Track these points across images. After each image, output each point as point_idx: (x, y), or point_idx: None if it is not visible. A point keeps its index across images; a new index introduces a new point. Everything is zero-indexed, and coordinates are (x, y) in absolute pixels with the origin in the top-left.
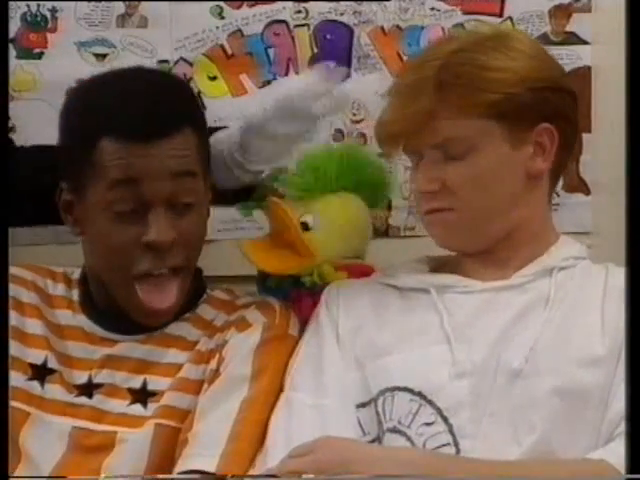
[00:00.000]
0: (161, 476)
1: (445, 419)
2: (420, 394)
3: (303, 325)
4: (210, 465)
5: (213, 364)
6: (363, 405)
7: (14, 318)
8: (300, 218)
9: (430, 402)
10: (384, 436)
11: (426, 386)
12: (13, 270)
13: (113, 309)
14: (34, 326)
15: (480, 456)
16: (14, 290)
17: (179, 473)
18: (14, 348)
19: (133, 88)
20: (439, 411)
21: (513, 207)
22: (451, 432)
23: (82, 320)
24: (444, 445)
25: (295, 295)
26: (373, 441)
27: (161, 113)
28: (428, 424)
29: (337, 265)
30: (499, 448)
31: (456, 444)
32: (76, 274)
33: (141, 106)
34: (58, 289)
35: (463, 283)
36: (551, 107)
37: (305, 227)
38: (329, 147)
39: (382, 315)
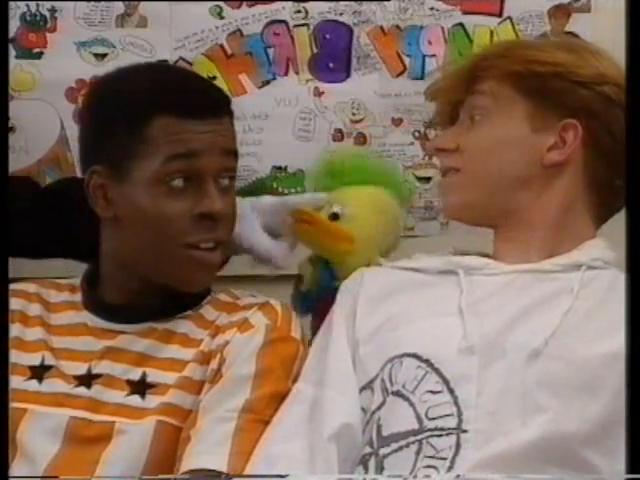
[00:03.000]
0: (161, 476)
1: (451, 390)
2: (428, 362)
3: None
4: (217, 463)
5: (214, 364)
6: (374, 379)
7: (17, 329)
8: (330, 209)
9: (437, 370)
10: (387, 398)
11: (434, 354)
12: (19, 285)
13: (119, 299)
14: (34, 334)
15: (481, 428)
16: (19, 304)
17: (187, 471)
18: (14, 356)
19: (184, 71)
20: (446, 382)
21: (523, 189)
22: (456, 404)
23: (85, 316)
24: (447, 415)
25: (323, 306)
26: (379, 407)
27: (213, 95)
28: (433, 392)
29: None
30: (503, 424)
31: (459, 415)
32: (80, 279)
33: (198, 86)
34: (61, 297)
35: (491, 265)
36: (583, 104)
37: (335, 217)
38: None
39: (404, 292)
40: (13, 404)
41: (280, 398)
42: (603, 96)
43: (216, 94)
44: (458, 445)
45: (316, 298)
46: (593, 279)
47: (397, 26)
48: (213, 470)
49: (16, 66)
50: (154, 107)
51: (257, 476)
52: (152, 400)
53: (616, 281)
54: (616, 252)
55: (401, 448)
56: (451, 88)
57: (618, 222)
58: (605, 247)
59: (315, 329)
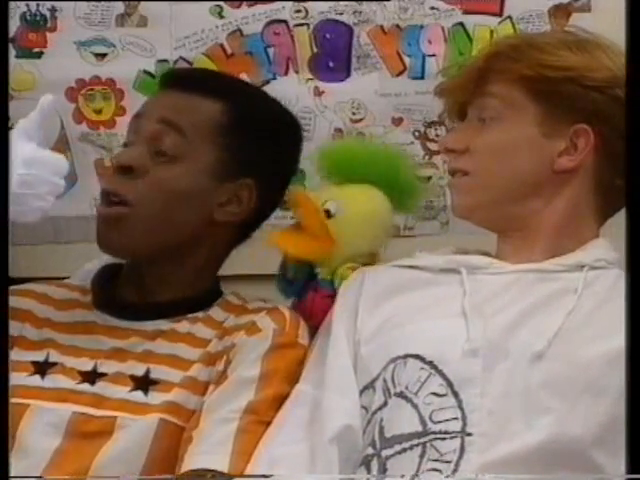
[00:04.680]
0: (161, 477)
1: (455, 394)
2: (431, 363)
3: (313, 331)
4: (219, 464)
5: (220, 366)
6: (376, 378)
7: (26, 330)
8: (324, 205)
9: (440, 373)
10: (390, 399)
11: (438, 356)
12: (30, 286)
13: (132, 295)
14: (42, 334)
15: (486, 431)
16: (30, 304)
17: (188, 471)
18: (18, 355)
19: None
20: (450, 385)
21: (532, 194)
22: (460, 407)
23: (96, 315)
24: (452, 419)
25: (310, 296)
26: (381, 408)
27: (192, 75)
28: (437, 395)
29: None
30: (507, 427)
31: (463, 418)
32: (90, 280)
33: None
34: (72, 295)
35: (494, 265)
36: (595, 109)
37: (328, 214)
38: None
39: (406, 291)
40: (16, 400)
41: (283, 401)
42: (615, 99)
43: (201, 77)
44: (462, 448)
45: (301, 286)
46: (596, 279)
47: (397, 25)
48: (214, 470)
49: (16, 66)
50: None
51: (249, 476)
52: (155, 397)
53: (619, 281)
54: (619, 252)
55: (404, 450)
56: (460, 87)
57: (618, 222)
58: (608, 247)
59: (296, 310)
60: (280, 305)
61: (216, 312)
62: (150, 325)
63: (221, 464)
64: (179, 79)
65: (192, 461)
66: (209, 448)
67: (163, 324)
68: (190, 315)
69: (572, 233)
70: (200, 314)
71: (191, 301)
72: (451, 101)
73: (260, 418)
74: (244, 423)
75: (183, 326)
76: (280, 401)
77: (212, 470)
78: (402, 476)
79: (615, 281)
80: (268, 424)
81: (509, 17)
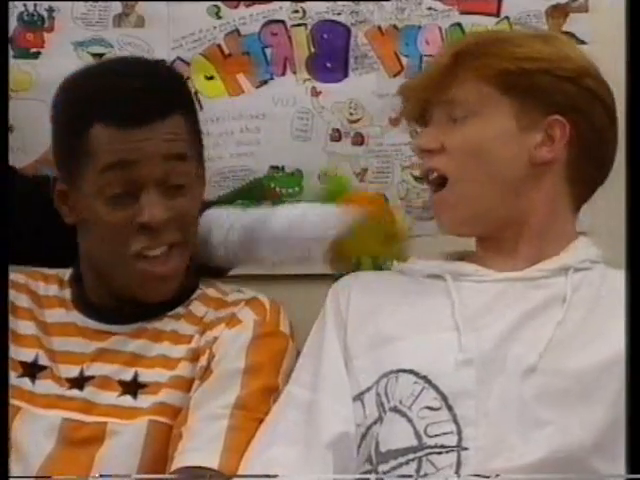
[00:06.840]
0: (156, 476)
1: (450, 407)
2: (425, 378)
3: None
4: (211, 461)
5: (203, 361)
6: (365, 391)
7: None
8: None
9: (434, 387)
10: (385, 415)
11: (431, 370)
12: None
13: (106, 300)
14: (26, 327)
15: (482, 445)
16: (9, 294)
17: (179, 468)
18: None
19: (122, 75)
20: (445, 398)
21: (514, 195)
22: (455, 421)
23: (75, 316)
24: (446, 433)
25: None
26: (375, 422)
27: (150, 99)
28: (432, 409)
29: None
30: (504, 440)
31: (459, 432)
32: (68, 275)
33: (131, 92)
34: (50, 290)
35: (480, 272)
36: (568, 99)
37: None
38: None
39: (395, 302)
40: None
41: (270, 393)
42: (586, 90)
43: (157, 97)
44: (459, 463)
45: None
46: (582, 281)
47: (394, 26)
48: (205, 467)
49: (13, 66)
50: (91, 116)
51: (249, 476)
52: (144, 400)
53: (605, 280)
54: (600, 248)
55: (400, 465)
56: (424, 87)
57: (617, 220)
58: (590, 245)
59: None
60: (259, 295)
61: (196, 307)
62: (131, 327)
63: (212, 461)
64: None
65: (183, 458)
66: (200, 445)
67: (146, 322)
68: (171, 312)
69: (553, 231)
70: (181, 310)
71: (173, 297)
72: (413, 101)
73: (251, 414)
74: (234, 419)
75: (166, 324)
76: (267, 393)
77: (203, 467)
78: (405, 477)
79: (601, 281)
80: (258, 420)
81: (506, 17)
